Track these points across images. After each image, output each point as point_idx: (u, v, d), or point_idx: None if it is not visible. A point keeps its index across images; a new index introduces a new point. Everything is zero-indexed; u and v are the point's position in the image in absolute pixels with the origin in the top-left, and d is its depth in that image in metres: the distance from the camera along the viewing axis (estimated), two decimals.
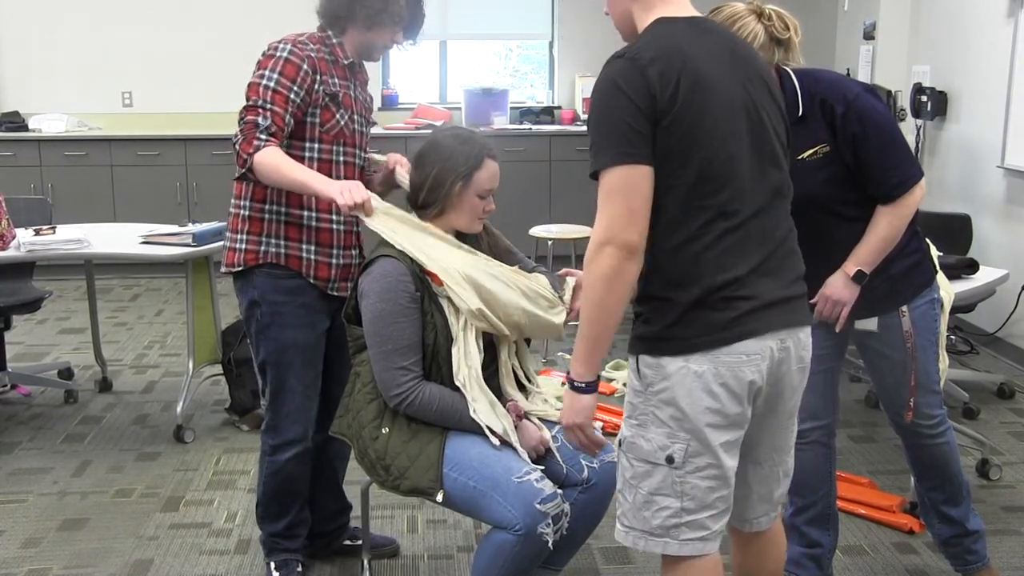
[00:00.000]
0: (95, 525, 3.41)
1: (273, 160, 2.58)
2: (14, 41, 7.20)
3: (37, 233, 4.11)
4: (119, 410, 4.50)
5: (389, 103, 7.59)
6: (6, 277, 4.51)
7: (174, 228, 4.27)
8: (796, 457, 2.27)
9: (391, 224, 2.55)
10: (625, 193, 1.87)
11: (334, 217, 2.75)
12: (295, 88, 2.64)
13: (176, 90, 7.15)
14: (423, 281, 2.51)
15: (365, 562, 3.01)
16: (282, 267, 2.74)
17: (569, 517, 2.42)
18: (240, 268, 2.77)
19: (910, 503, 3.43)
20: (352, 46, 2.76)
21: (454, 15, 7.63)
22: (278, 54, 2.65)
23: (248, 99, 2.64)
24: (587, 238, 2.06)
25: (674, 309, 1.94)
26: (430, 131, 2.64)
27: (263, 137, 2.59)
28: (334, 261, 2.78)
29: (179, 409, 4.16)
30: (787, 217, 2.06)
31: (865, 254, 2.56)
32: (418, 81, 8.00)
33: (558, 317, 2.62)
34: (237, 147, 2.61)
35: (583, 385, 2.00)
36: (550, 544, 2.37)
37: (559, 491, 2.42)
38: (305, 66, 2.65)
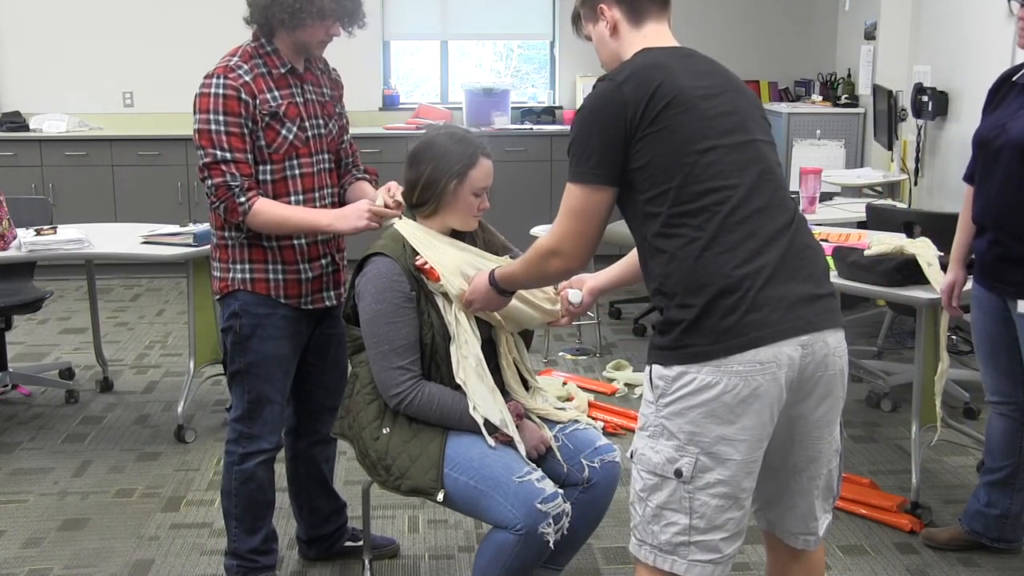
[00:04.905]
0: (96, 525, 3.41)
1: (268, 216, 2.61)
2: (15, 41, 7.19)
3: (38, 233, 4.11)
4: (120, 410, 4.50)
5: (390, 103, 7.57)
6: (7, 277, 4.50)
7: (175, 228, 4.27)
8: (988, 422, 2.53)
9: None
10: (580, 216, 2.02)
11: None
12: (243, 120, 2.58)
13: (177, 90, 7.10)
14: (418, 280, 2.51)
15: (366, 562, 3.00)
16: (250, 292, 2.71)
17: (570, 517, 2.42)
18: (218, 296, 2.78)
19: (911, 503, 3.43)
20: (287, 49, 2.67)
21: (455, 15, 7.62)
22: (213, 91, 2.58)
23: (204, 151, 2.58)
24: None
25: (685, 317, 1.92)
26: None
27: (242, 199, 2.58)
28: (303, 276, 2.73)
29: (180, 409, 4.16)
30: (787, 215, 2.00)
31: None
32: (419, 81, 8.00)
33: (553, 305, 2.63)
34: (223, 215, 2.62)
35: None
36: (551, 544, 2.37)
37: (560, 491, 2.42)
38: (243, 95, 2.58)
